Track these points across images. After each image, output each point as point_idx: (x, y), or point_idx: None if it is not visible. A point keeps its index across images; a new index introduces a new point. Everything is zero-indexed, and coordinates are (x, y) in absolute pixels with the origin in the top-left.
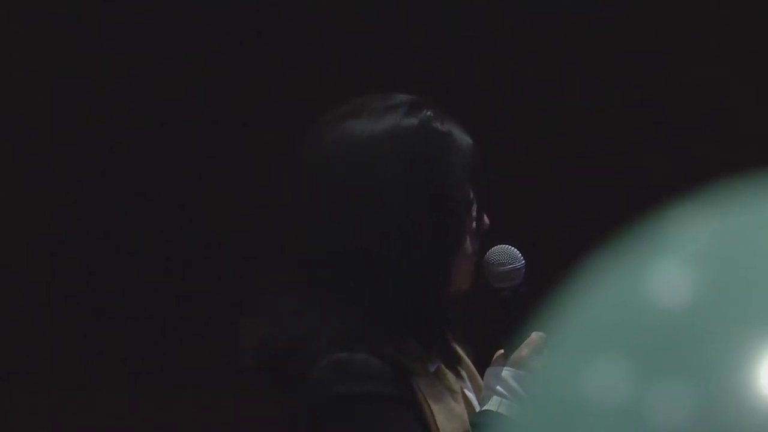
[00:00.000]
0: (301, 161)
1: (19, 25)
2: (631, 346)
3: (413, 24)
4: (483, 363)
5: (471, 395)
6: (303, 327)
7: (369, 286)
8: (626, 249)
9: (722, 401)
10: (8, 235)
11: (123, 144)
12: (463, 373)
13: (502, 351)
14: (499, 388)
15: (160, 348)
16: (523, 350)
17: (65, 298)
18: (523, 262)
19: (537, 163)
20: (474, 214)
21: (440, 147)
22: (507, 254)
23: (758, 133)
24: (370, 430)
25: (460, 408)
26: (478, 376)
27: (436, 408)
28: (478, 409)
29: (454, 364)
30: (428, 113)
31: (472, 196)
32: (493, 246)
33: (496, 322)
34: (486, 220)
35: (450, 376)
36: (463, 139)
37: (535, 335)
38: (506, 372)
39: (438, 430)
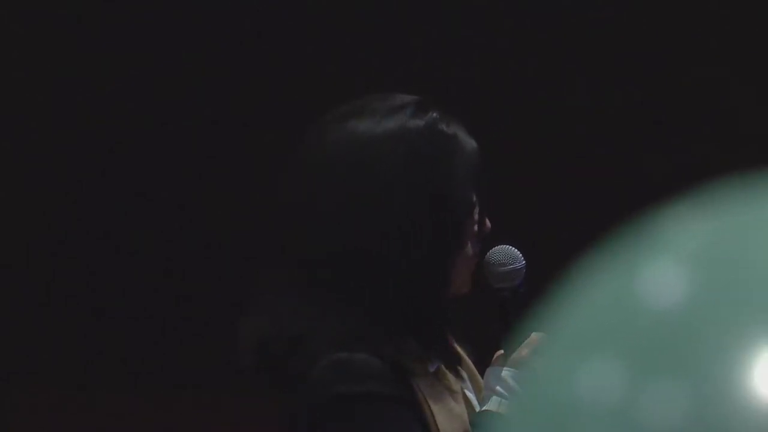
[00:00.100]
0: (302, 161)
1: (19, 25)
2: (625, 347)
3: (413, 24)
4: (483, 363)
5: (471, 395)
6: (303, 327)
7: (369, 286)
8: (621, 249)
9: (716, 402)
10: (8, 235)
11: (123, 144)
12: (464, 374)
13: (502, 351)
14: (499, 388)
15: (160, 348)
16: (523, 350)
17: (65, 298)
18: (524, 262)
19: (537, 163)
20: (476, 216)
21: (445, 149)
22: (507, 254)
23: (758, 133)
24: (370, 430)
25: (460, 408)
26: (479, 377)
27: (436, 408)
28: (478, 409)
29: (454, 364)
30: (434, 115)
31: (474, 198)
32: (494, 246)
33: (496, 323)
34: (488, 223)
35: (450, 376)
36: (468, 141)
37: (535, 335)
38: (506, 372)
39: (438, 430)
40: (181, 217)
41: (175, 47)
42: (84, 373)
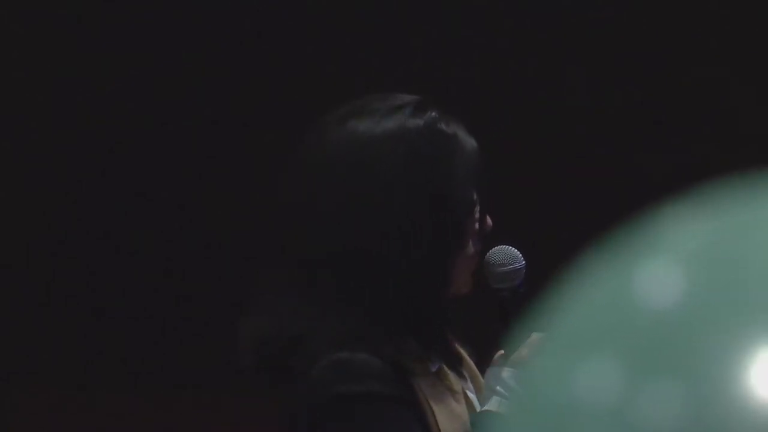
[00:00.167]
0: (302, 161)
1: (19, 25)
2: (623, 346)
3: (413, 24)
4: (484, 363)
5: (472, 396)
6: (303, 327)
7: (369, 286)
8: (620, 248)
9: (714, 402)
10: (8, 235)
11: (123, 144)
12: (465, 374)
13: (502, 351)
14: (499, 388)
15: (160, 348)
16: (524, 350)
17: (65, 298)
18: (524, 262)
19: (537, 163)
20: (477, 215)
21: (445, 148)
22: (508, 255)
23: (758, 133)
24: (370, 430)
25: (460, 408)
26: (480, 377)
27: (437, 408)
28: (479, 409)
29: (455, 364)
30: (433, 114)
31: (475, 197)
32: (494, 246)
33: (496, 323)
34: (489, 221)
35: (451, 376)
36: (468, 141)
37: (535, 336)
38: (507, 372)
39: (439, 430)
40: (181, 217)
41: (175, 47)
42: (84, 373)
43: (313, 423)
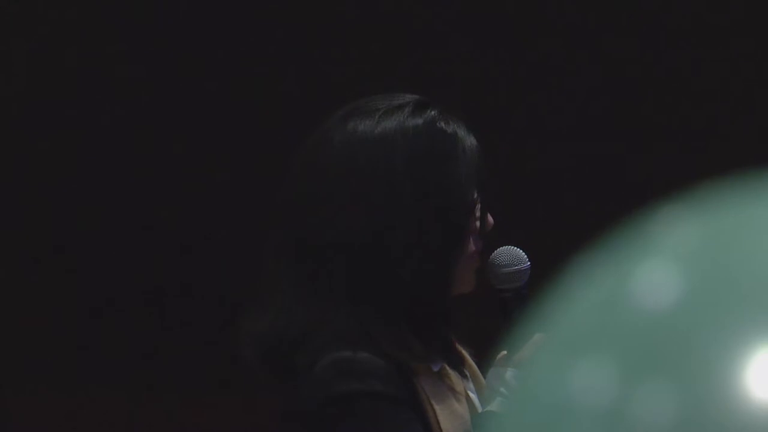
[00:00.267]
0: (302, 161)
1: (19, 25)
2: (618, 347)
3: (413, 24)
4: (486, 364)
5: (474, 396)
6: (305, 325)
7: (371, 285)
8: (615, 249)
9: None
10: (8, 235)
11: (123, 144)
12: (467, 374)
13: (505, 352)
14: (501, 388)
15: (160, 348)
16: (526, 351)
17: (65, 298)
18: (529, 264)
19: (537, 163)
20: (478, 213)
21: (444, 147)
22: (513, 256)
23: (758, 132)
24: (371, 430)
25: (462, 408)
26: (481, 377)
27: (438, 408)
28: (480, 410)
29: (457, 364)
30: (433, 113)
31: (476, 195)
32: (498, 247)
33: (499, 324)
34: (490, 219)
35: (454, 376)
36: (468, 139)
37: (538, 336)
38: (509, 373)
39: (441, 430)
40: (180, 216)
41: (175, 47)
42: (84, 373)
43: (314, 422)
